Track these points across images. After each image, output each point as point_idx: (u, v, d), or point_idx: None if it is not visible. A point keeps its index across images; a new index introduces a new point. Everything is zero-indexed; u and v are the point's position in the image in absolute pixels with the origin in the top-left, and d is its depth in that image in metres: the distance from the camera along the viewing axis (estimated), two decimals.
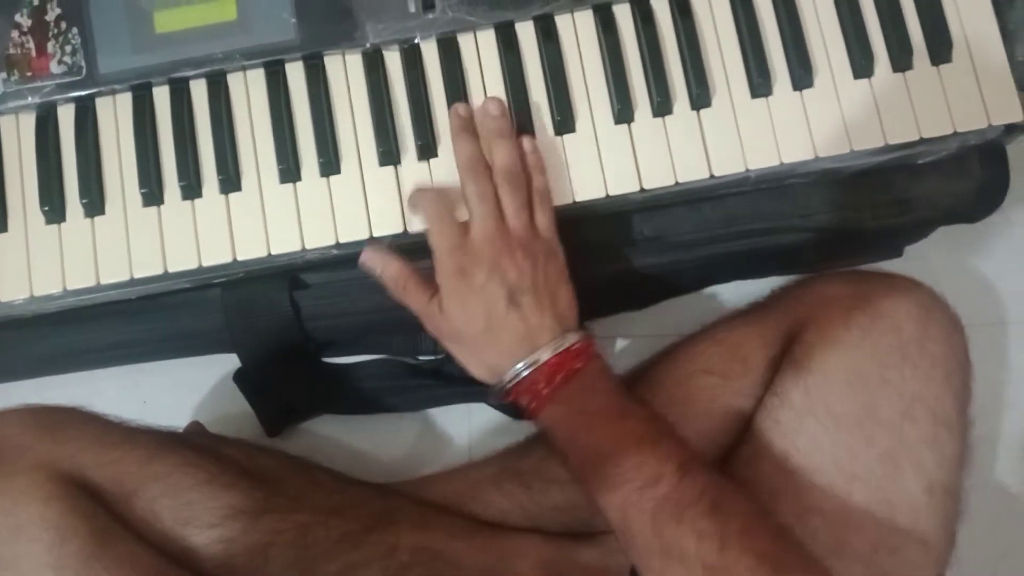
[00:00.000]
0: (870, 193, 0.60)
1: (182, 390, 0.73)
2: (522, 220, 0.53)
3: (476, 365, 0.54)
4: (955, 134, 0.56)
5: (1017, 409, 0.74)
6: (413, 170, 0.57)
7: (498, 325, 0.51)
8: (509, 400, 0.53)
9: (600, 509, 0.50)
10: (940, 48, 0.56)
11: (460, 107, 0.56)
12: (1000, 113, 0.56)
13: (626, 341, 0.75)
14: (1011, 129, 0.57)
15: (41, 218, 0.56)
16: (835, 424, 0.53)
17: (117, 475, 0.53)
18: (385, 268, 0.55)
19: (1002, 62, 0.56)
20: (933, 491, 0.52)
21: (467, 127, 0.55)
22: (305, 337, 0.61)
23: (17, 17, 0.57)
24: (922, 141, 0.56)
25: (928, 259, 0.71)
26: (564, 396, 0.51)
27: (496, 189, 0.53)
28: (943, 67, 0.57)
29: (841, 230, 0.61)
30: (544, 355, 0.51)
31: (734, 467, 0.56)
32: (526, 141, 0.56)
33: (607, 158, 0.56)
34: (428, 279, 0.54)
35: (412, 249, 0.57)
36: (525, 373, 0.51)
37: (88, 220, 0.56)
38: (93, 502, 0.51)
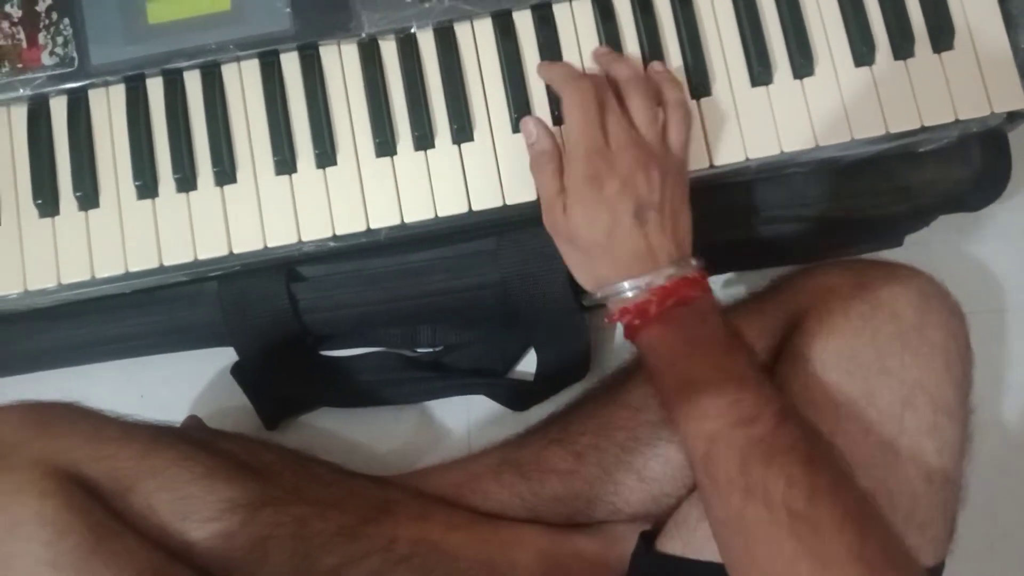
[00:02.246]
0: (870, 181, 0.60)
1: (179, 384, 0.73)
2: (656, 132, 0.51)
3: (583, 272, 0.52)
4: (957, 122, 0.55)
5: (1016, 396, 0.74)
6: (410, 161, 0.56)
7: (620, 238, 0.50)
8: (612, 319, 0.51)
9: (682, 435, 0.49)
10: (942, 35, 0.56)
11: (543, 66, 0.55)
12: (1002, 100, 0.55)
13: None
14: (1013, 116, 0.57)
15: (34, 212, 0.56)
16: (835, 413, 0.53)
17: (113, 470, 0.52)
18: (539, 140, 0.53)
19: (1005, 49, 0.56)
20: (932, 479, 0.52)
21: (573, 73, 0.54)
22: (303, 330, 0.61)
23: (7, 7, 0.57)
24: (923, 129, 0.56)
25: (929, 248, 0.71)
26: (672, 319, 0.49)
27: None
28: (945, 54, 0.56)
29: (841, 219, 0.60)
30: (659, 278, 0.49)
31: None
32: (655, 63, 0.55)
33: None
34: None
35: (407, 241, 0.57)
36: (635, 292, 0.49)
37: (82, 213, 0.56)
38: (89, 498, 0.51)
